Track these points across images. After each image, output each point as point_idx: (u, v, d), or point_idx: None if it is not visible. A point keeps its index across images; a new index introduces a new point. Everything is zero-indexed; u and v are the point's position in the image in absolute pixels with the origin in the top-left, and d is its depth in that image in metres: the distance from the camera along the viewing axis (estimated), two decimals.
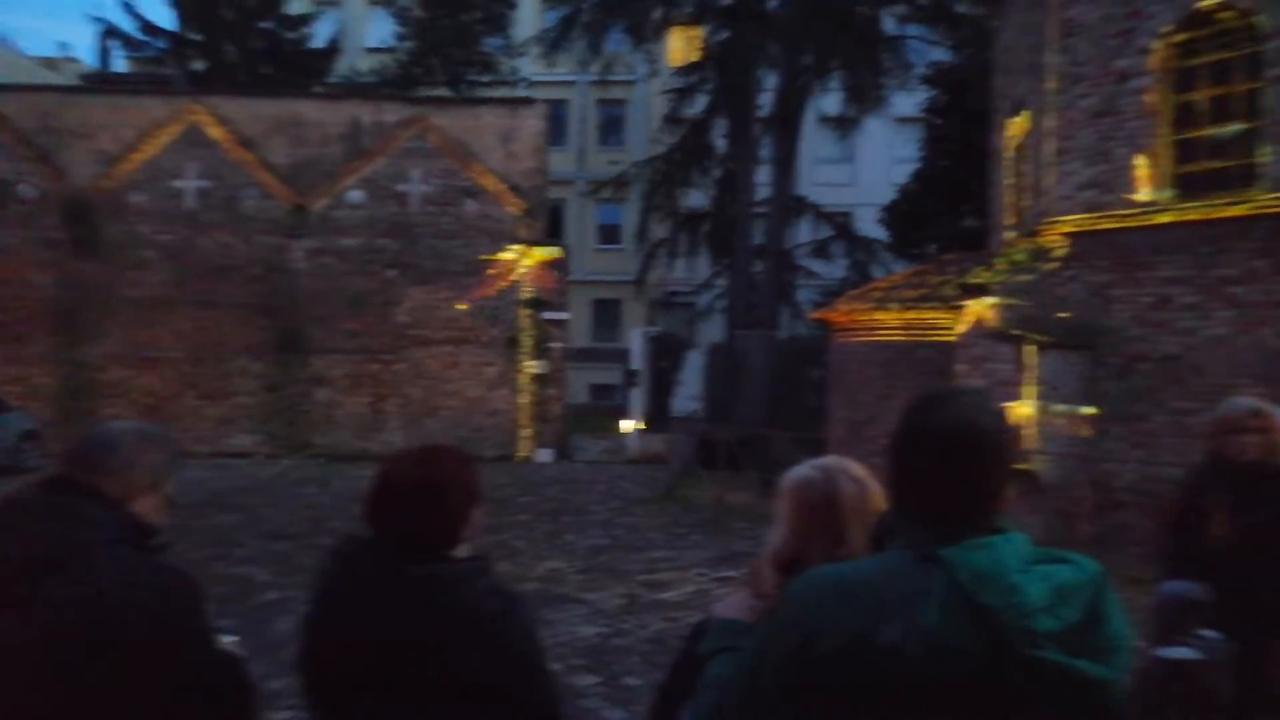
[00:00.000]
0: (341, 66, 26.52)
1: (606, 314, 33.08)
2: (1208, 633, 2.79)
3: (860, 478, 1.95)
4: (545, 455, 19.32)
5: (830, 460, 2.04)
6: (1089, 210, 10.80)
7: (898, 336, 12.51)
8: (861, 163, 31.48)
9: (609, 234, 33.74)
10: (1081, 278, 10.85)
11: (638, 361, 20.64)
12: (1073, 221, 10.91)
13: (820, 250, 24.83)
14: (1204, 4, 9.89)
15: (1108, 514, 10.59)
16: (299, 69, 24.85)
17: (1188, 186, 10.27)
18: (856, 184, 31.20)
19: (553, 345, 19.70)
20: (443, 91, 22.32)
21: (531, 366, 19.41)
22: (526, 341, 19.39)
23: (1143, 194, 10.41)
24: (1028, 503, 10.58)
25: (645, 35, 21.90)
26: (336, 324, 19.24)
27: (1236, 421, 3.74)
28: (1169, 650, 2.85)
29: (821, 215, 24.94)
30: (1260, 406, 3.88)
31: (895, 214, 19.48)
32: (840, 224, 25.44)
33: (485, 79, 23.63)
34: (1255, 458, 3.67)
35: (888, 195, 21.21)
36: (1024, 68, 12.38)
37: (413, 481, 2.08)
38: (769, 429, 15.42)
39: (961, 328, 11.17)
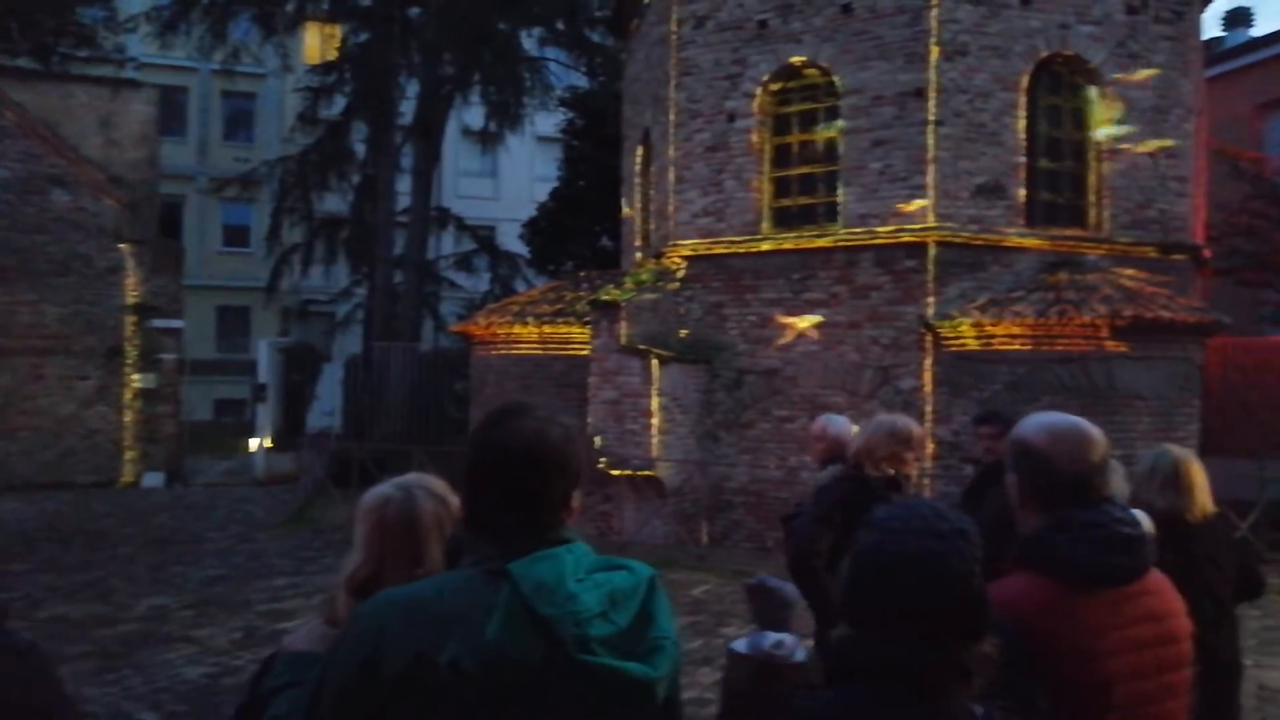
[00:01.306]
0: None
1: (233, 323, 30.41)
2: (775, 635, 3.00)
3: (442, 494, 1.92)
4: (155, 480, 17.28)
5: (410, 478, 1.98)
6: (704, 236, 11.80)
7: (535, 350, 12.80)
8: (505, 178, 31.99)
9: (236, 236, 31.06)
10: (699, 297, 11.82)
11: (266, 374, 19.18)
12: (690, 246, 11.86)
13: (464, 263, 24.78)
14: (794, 60, 11.25)
15: (722, 514, 11.60)
16: None
17: (784, 219, 11.59)
18: (500, 198, 31.64)
19: (165, 357, 17.70)
20: (25, 63, 19.21)
21: (138, 380, 17.29)
22: (132, 352, 17.24)
23: (748, 223, 11.58)
24: (651, 507, 11.29)
25: (276, 27, 20.48)
26: None
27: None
28: (738, 643, 3.04)
29: (464, 228, 24.93)
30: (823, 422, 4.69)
31: (535, 230, 19.99)
32: (484, 237, 25.59)
33: (83, 54, 20.71)
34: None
35: (530, 211, 21.71)
36: (649, 99, 13.27)
37: None
38: (409, 444, 15.05)
39: (595, 342, 11.67)
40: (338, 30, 22.61)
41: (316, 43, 24.91)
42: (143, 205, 17.80)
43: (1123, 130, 10.85)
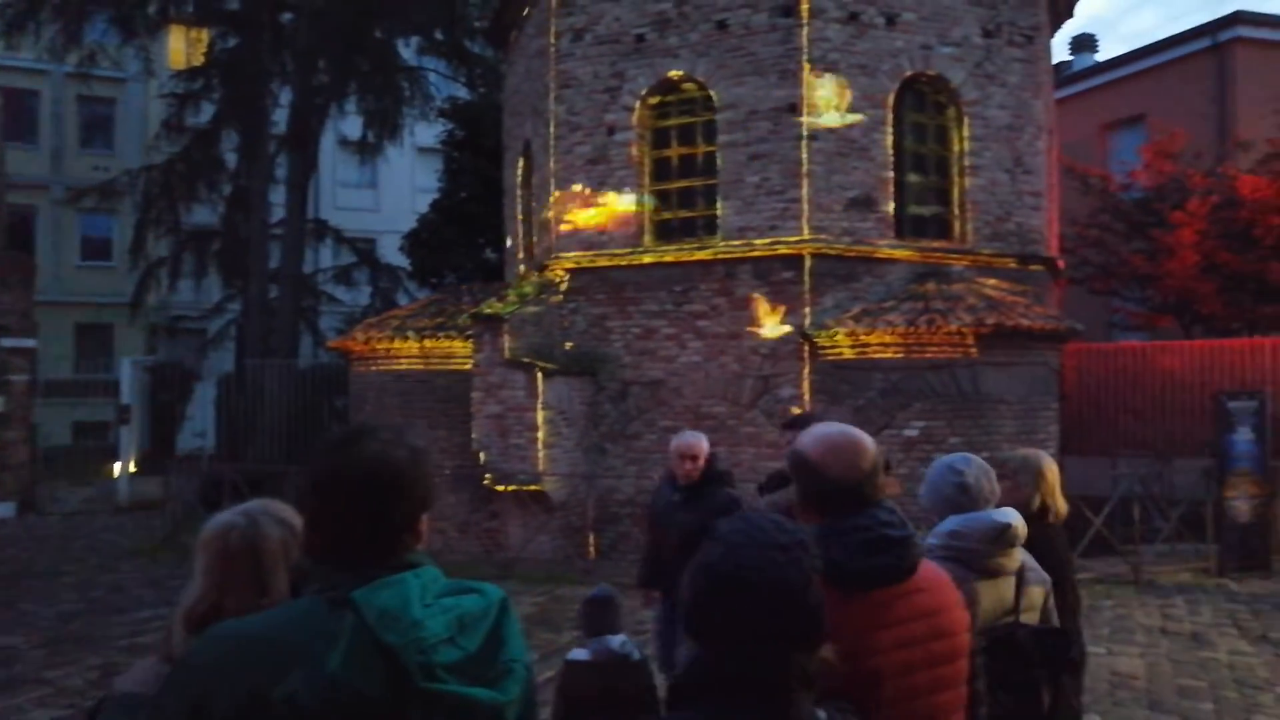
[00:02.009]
0: None
1: (94, 341, 28.67)
2: (615, 637, 3.09)
3: (290, 520, 1.85)
4: (5, 510, 16.15)
5: (256, 504, 1.91)
6: (587, 248, 11.82)
7: (416, 365, 12.53)
8: (385, 189, 31.32)
9: (96, 249, 29.33)
10: (583, 310, 11.81)
11: (129, 395, 18.18)
12: (573, 258, 11.85)
13: (343, 276, 24.12)
14: (672, 74, 11.40)
15: (610, 526, 11.60)
16: None
17: (665, 232, 11.72)
18: (381, 210, 30.95)
19: (15, 378, 16.59)
20: None
21: None
22: None
23: (630, 236, 11.65)
24: (538, 521, 11.19)
25: (137, 29, 19.50)
26: None
27: (684, 450, 4.95)
28: (577, 653, 3.09)
29: (343, 240, 24.28)
30: (695, 441, 4.99)
31: (416, 242, 19.62)
32: (364, 250, 24.99)
33: None
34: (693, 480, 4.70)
35: (411, 223, 21.30)
36: (529, 111, 13.22)
37: None
38: (288, 464, 14.50)
39: (478, 355, 11.51)
40: (204, 34, 21.69)
41: (182, 47, 23.81)
42: None
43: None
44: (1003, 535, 2.74)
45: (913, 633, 1.96)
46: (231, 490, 13.23)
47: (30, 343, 16.99)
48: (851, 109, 10.94)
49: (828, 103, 10.84)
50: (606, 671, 3.12)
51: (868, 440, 2.14)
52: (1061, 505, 3.70)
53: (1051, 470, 3.71)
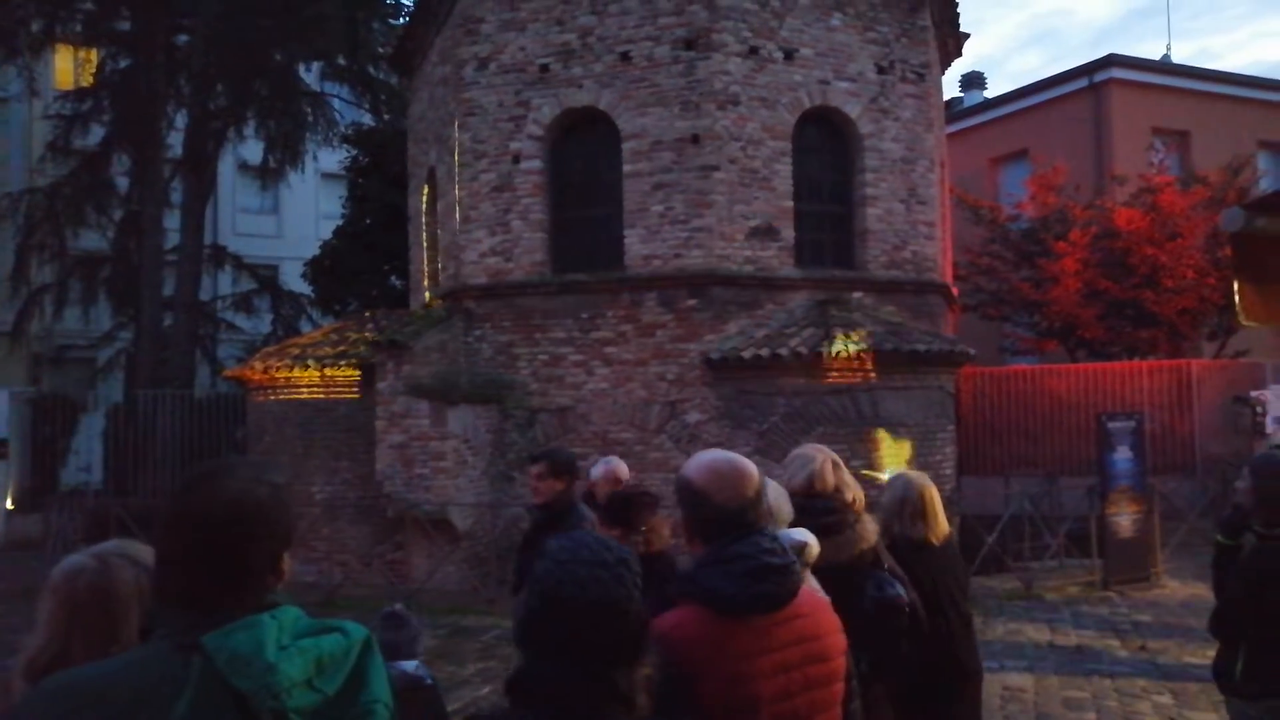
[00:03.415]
0: None
1: None
2: (406, 664, 3.10)
3: (145, 562, 1.77)
4: None
5: (109, 545, 1.84)
6: (493, 276, 11.77)
7: (317, 394, 12.23)
8: (287, 215, 30.56)
9: None
10: (489, 337, 11.73)
11: (5, 428, 17.24)
12: (479, 286, 11.78)
13: (243, 303, 23.41)
14: (576, 104, 11.50)
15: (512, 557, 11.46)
16: None
17: (571, 259, 11.74)
18: (283, 236, 30.15)
19: None
20: None
21: None
22: None
23: (536, 263, 11.65)
24: (443, 552, 11.01)
25: (19, 48, 18.69)
26: None
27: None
28: None
29: (243, 267, 23.59)
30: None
31: (320, 269, 19.19)
32: (265, 277, 24.31)
33: None
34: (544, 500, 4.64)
35: (315, 249, 20.82)
36: (434, 138, 13.15)
37: None
38: None
39: (381, 384, 11.31)
40: (94, 54, 20.92)
41: (69, 66, 22.91)
42: None
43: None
44: (799, 554, 2.79)
45: (791, 657, 2.01)
46: (119, 527, 12.64)
47: None
48: (752, 140, 11.20)
49: (730, 135, 11.07)
50: (399, 695, 3.07)
51: (751, 467, 2.18)
52: (942, 526, 3.79)
53: (930, 494, 3.77)
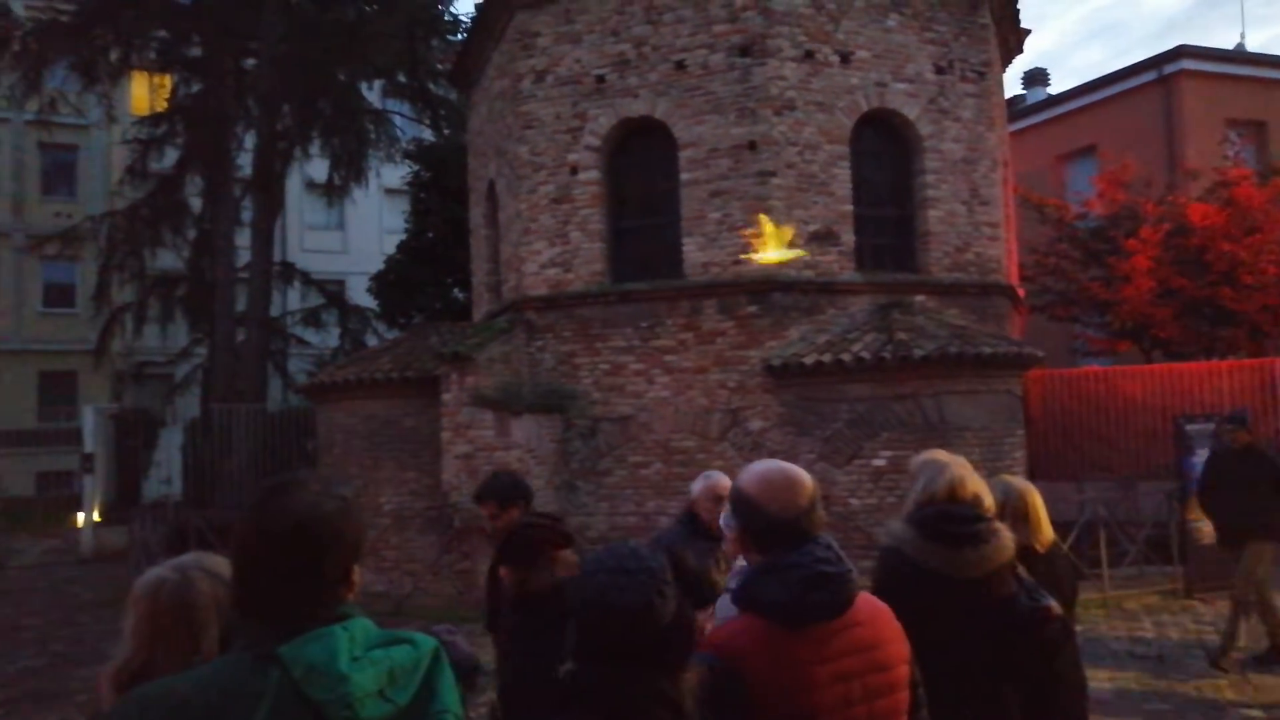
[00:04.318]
0: None
1: (57, 388, 28.21)
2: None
3: (223, 574, 1.82)
4: None
5: (188, 558, 1.90)
6: (553, 286, 11.87)
7: (384, 406, 12.45)
8: (353, 231, 31.29)
9: (58, 295, 28.98)
10: (550, 348, 11.83)
11: (93, 443, 17.90)
12: (540, 297, 11.89)
13: (312, 318, 24.01)
14: (632, 114, 11.55)
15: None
16: None
17: (630, 269, 11.80)
18: (349, 252, 30.88)
19: None
20: None
21: None
22: None
23: (595, 273, 11.72)
24: None
25: (99, 76, 19.49)
26: None
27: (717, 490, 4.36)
28: None
29: (311, 282, 24.19)
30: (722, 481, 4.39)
31: (384, 283, 19.59)
32: (332, 292, 24.90)
33: None
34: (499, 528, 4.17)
35: (379, 264, 21.27)
36: (493, 152, 13.32)
37: None
38: None
39: (446, 395, 11.47)
40: (167, 80, 21.68)
41: (144, 93, 23.76)
42: None
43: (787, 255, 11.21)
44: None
45: (850, 666, 1.99)
46: (197, 538, 13.05)
47: None
48: (809, 145, 11.13)
49: (786, 140, 11.02)
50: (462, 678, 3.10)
51: (805, 476, 2.18)
52: (1046, 532, 3.56)
53: (1034, 499, 3.56)
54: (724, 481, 4.44)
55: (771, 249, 10.76)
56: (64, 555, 17.44)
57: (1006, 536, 2.87)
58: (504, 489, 4.34)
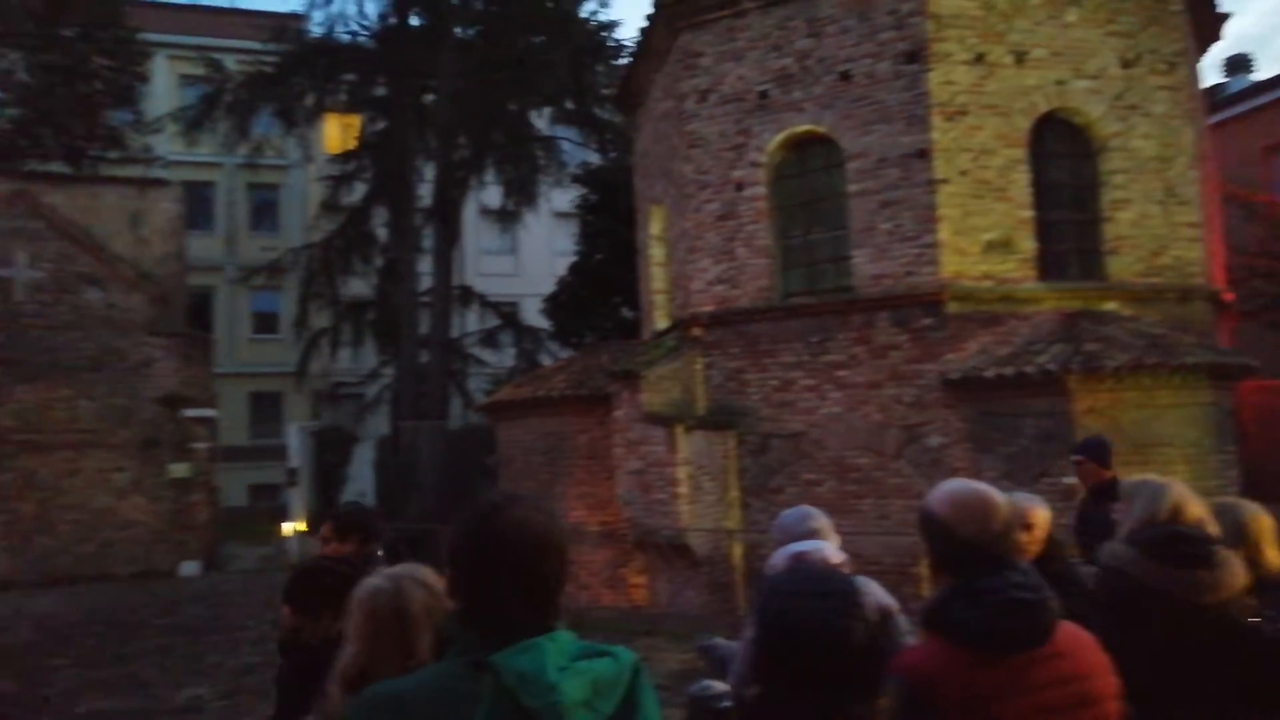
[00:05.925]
0: None
1: (265, 408, 30.80)
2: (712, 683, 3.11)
3: (432, 584, 1.96)
4: (191, 569, 17.42)
5: (401, 568, 2.04)
6: (720, 303, 11.92)
7: (559, 423, 12.88)
8: (525, 254, 32.49)
9: (265, 323, 31.68)
10: (718, 364, 11.88)
11: (297, 458, 19.39)
12: (708, 314, 11.98)
13: (488, 339, 25.12)
14: (797, 129, 11.47)
15: (757, 582, 11.49)
16: None
17: (797, 283, 11.70)
18: (521, 274, 32.08)
19: (198, 445, 17.98)
20: (57, 167, 19.96)
21: (173, 470, 17.54)
22: (166, 443, 17.53)
23: (762, 289, 11.70)
24: (683, 578, 11.23)
25: (297, 120, 21.25)
26: None
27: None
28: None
29: (487, 305, 25.32)
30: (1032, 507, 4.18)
31: (556, 304, 20.27)
32: (507, 313, 25.97)
33: (112, 155, 21.51)
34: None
35: (551, 286, 22.04)
36: (658, 172, 13.55)
37: None
38: (442, 521, 15.10)
39: (617, 413, 11.75)
40: (356, 120, 23.33)
41: (336, 133, 25.68)
42: (172, 298, 18.27)
43: None
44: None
45: (1052, 699, 1.91)
46: (390, 549, 13.85)
47: (211, 413, 18.42)
48: (984, 150, 10.72)
49: (959, 147, 10.66)
50: (692, 709, 3.14)
51: (999, 497, 2.11)
52: (1275, 557, 3.34)
53: (1260, 521, 3.36)
54: (1031, 507, 4.08)
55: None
56: (275, 561, 18.92)
57: (1238, 562, 2.69)
58: (346, 520, 4.30)
